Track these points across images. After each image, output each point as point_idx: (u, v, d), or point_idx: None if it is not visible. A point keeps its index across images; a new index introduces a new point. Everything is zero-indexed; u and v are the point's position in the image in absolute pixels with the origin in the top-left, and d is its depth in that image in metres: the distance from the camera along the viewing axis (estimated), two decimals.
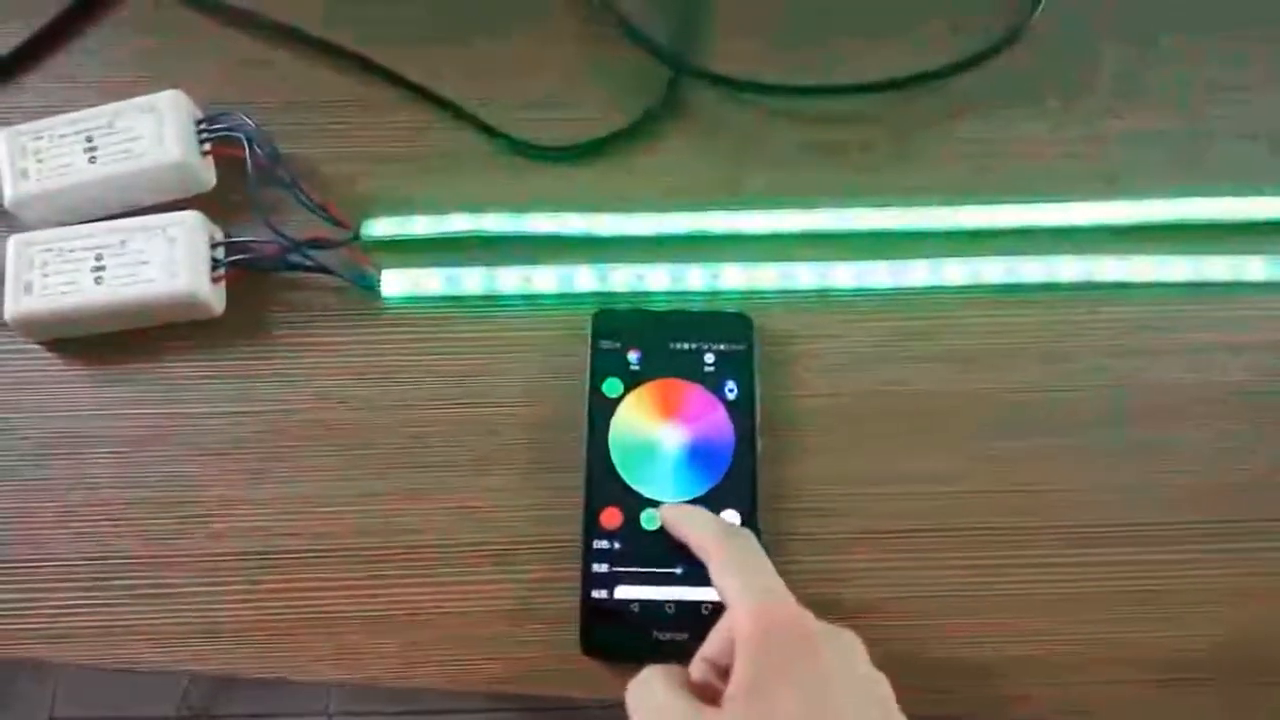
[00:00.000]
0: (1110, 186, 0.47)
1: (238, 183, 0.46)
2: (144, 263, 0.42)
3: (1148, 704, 0.40)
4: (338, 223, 0.45)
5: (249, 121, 0.46)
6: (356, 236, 0.46)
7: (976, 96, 0.49)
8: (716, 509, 0.40)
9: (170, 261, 0.42)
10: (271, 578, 0.41)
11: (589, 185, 0.48)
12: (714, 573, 0.35)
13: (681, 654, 0.35)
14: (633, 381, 0.42)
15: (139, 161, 0.44)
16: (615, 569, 0.39)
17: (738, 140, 0.49)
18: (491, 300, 0.45)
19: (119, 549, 0.41)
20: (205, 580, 0.41)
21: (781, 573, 0.34)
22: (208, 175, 0.46)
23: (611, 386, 0.42)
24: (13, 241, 0.43)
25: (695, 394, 0.42)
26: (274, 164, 0.45)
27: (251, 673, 0.40)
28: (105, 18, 0.51)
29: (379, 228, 0.46)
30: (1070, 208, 0.46)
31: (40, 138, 0.44)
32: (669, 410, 0.42)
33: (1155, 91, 0.50)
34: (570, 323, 0.44)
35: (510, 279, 0.45)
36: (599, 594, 0.39)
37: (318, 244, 0.45)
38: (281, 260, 0.44)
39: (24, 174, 0.44)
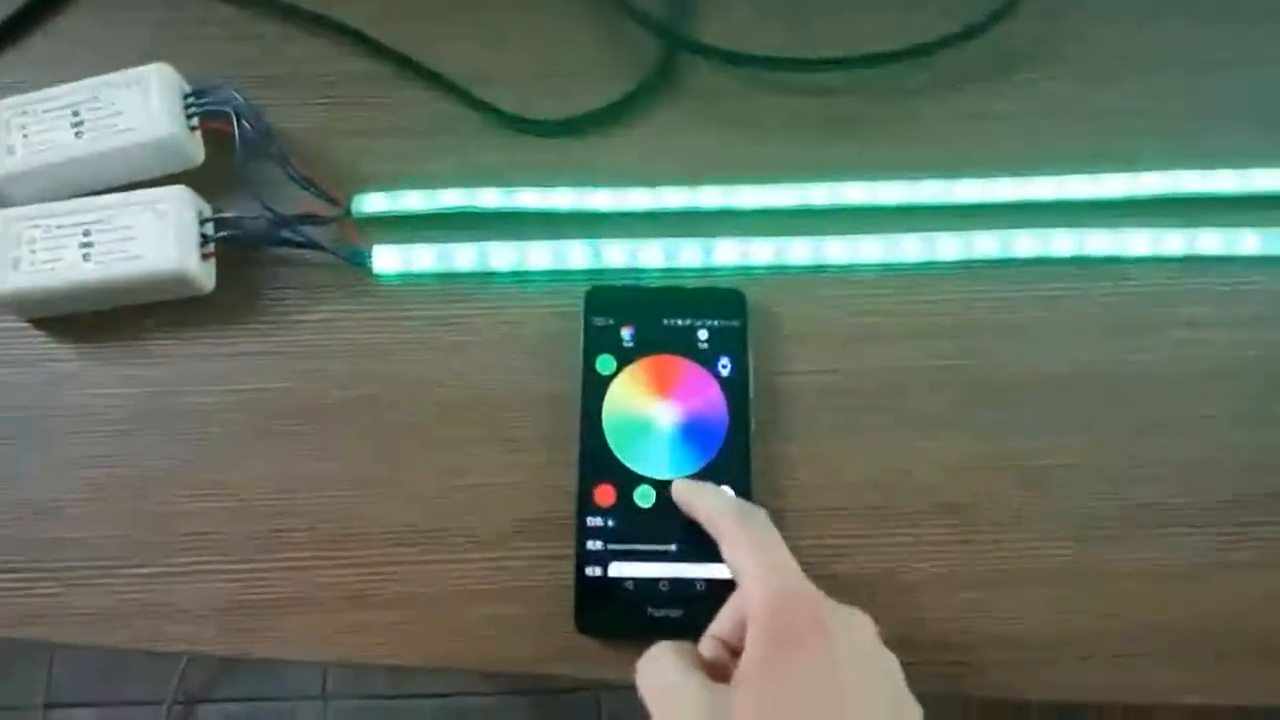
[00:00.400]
0: (1103, 161, 0.47)
1: (227, 158, 0.45)
2: (132, 238, 0.42)
3: (1156, 679, 0.40)
4: (329, 198, 0.45)
5: (238, 96, 0.45)
6: (348, 212, 0.45)
7: (971, 70, 0.49)
8: None
9: (159, 237, 0.42)
10: (262, 557, 0.40)
11: (582, 160, 0.47)
12: (726, 550, 0.35)
13: (676, 631, 0.35)
14: (626, 358, 0.42)
15: (126, 136, 0.43)
16: (609, 546, 0.39)
17: (731, 114, 0.49)
18: (484, 276, 0.45)
19: (108, 529, 0.41)
20: (197, 559, 0.40)
21: None
22: (196, 151, 0.46)
23: (605, 363, 0.42)
24: None
25: (689, 370, 0.42)
26: (264, 139, 0.45)
27: (244, 653, 0.39)
28: None
29: (370, 203, 0.45)
30: (1064, 181, 0.46)
31: (25, 113, 0.44)
32: (662, 387, 0.42)
33: (1147, 66, 0.49)
34: (563, 299, 0.44)
35: (503, 255, 0.44)
36: (593, 571, 0.39)
37: (309, 220, 0.44)
38: (272, 236, 0.44)
39: (10, 150, 0.43)
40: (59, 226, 0.42)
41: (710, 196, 0.46)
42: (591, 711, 1.10)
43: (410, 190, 0.45)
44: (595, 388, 0.41)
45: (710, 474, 0.40)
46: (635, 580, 0.39)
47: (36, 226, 0.42)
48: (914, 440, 0.43)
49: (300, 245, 0.44)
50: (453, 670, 0.40)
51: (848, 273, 0.45)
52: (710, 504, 0.37)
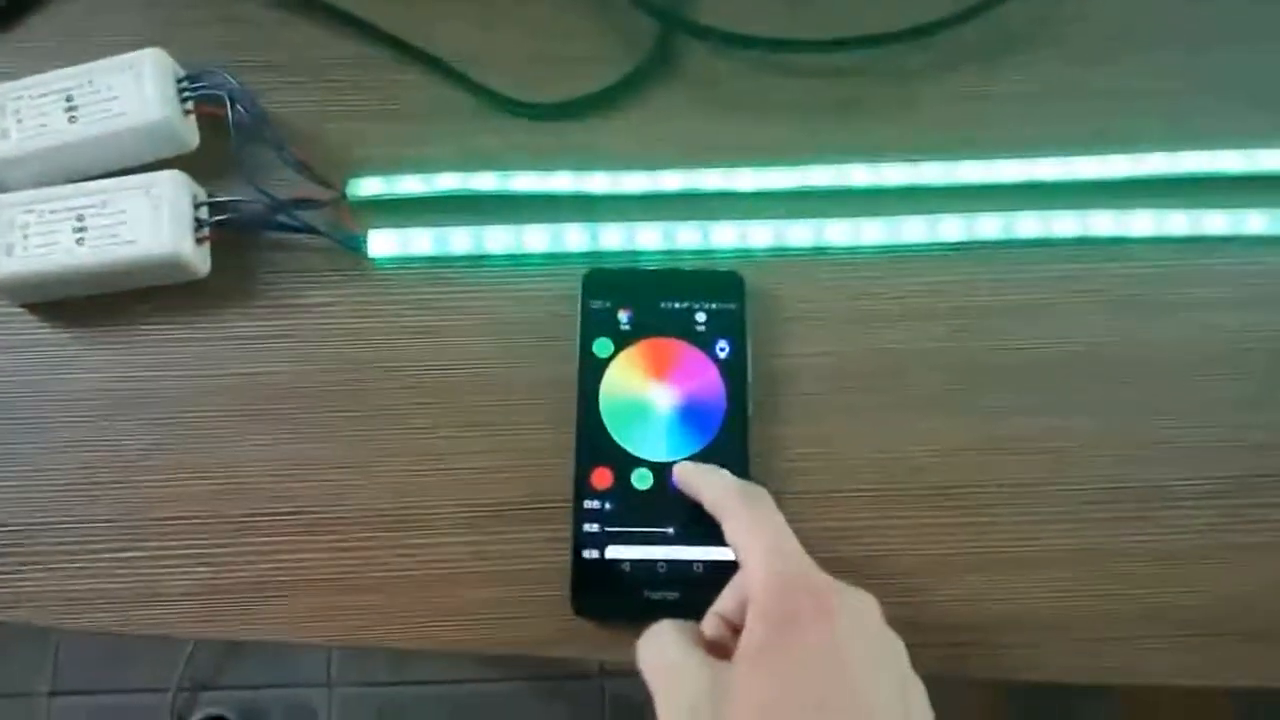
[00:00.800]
0: (1104, 141, 0.46)
1: (222, 143, 0.45)
2: (126, 223, 0.41)
3: (1159, 660, 0.40)
4: (324, 182, 0.45)
5: (232, 80, 0.45)
6: (343, 196, 0.45)
7: (971, 50, 0.49)
8: None
9: (153, 221, 0.41)
10: (258, 539, 0.40)
11: (579, 143, 0.47)
12: (728, 531, 0.35)
13: (673, 613, 0.34)
14: (623, 341, 0.42)
15: (120, 121, 0.43)
16: (606, 529, 0.39)
17: (730, 96, 0.48)
18: (481, 260, 0.44)
19: (102, 512, 0.41)
20: (192, 542, 0.40)
21: None
22: (190, 135, 0.45)
23: (602, 346, 0.42)
24: None
25: (686, 353, 0.42)
26: (258, 123, 0.45)
27: (240, 635, 0.39)
28: None
29: (366, 187, 0.45)
30: (1068, 162, 0.46)
31: (19, 98, 0.43)
32: (660, 370, 0.41)
33: (1147, 44, 0.49)
34: (560, 282, 0.44)
35: (499, 238, 0.44)
36: (590, 554, 0.39)
37: (304, 204, 0.44)
38: (267, 220, 0.44)
39: (3, 135, 0.43)
40: (53, 211, 0.42)
41: (709, 179, 0.45)
42: (595, 696, 1.10)
43: (406, 174, 0.45)
44: (593, 370, 0.41)
45: (708, 456, 0.40)
46: (632, 562, 0.39)
47: (30, 212, 0.42)
48: (915, 422, 0.42)
49: (296, 229, 0.44)
50: (456, 656, 0.39)
51: (848, 255, 0.45)
52: (714, 485, 0.37)
